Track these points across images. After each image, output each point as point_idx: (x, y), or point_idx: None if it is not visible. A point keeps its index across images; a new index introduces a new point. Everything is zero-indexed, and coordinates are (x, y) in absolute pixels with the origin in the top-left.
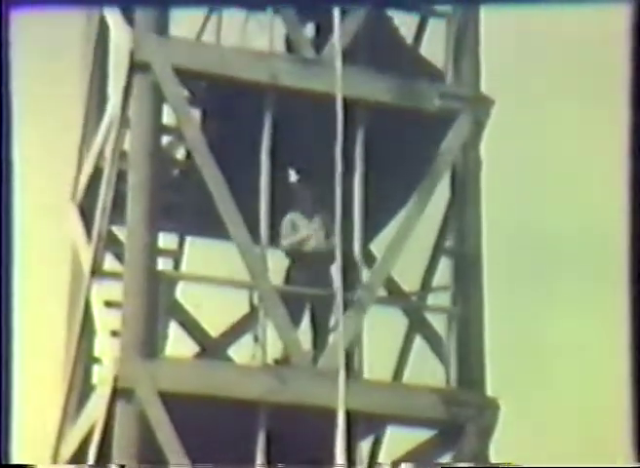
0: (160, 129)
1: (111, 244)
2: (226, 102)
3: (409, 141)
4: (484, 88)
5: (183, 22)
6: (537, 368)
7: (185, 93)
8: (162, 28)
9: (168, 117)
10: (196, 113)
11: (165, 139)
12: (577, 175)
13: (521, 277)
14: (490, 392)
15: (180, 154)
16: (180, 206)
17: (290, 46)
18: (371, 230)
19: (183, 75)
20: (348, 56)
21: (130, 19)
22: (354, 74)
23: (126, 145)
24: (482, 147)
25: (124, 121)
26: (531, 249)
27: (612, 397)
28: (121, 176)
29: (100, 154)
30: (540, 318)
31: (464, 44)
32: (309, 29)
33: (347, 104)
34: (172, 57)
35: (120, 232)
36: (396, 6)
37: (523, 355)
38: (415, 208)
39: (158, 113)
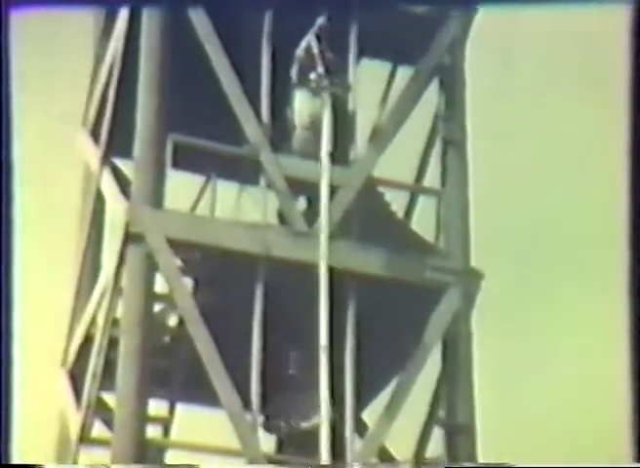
0: (152, 297)
1: (101, 410)
2: (219, 272)
3: (400, 312)
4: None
5: (179, 195)
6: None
7: (178, 262)
8: (157, 201)
9: (160, 285)
10: (189, 282)
11: (157, 306)
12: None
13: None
14: None
15: (171, 321)
16: (171, 373)
17: (282, 219)
18: (363, 399)
19: (177, 246)
20: (340, 229)
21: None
22: (345, 247)
23: (118, 313)
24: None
25: (117, 289)
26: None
27: (612, 398)
28: (112, 343)
29: (92, 321)
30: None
31: (454, 219)
32: (301, 203)
33: (339, 276)
34: (166, 228)
35: (110, 399)
36: None
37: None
38: (407, 377)
39: (151, 282)
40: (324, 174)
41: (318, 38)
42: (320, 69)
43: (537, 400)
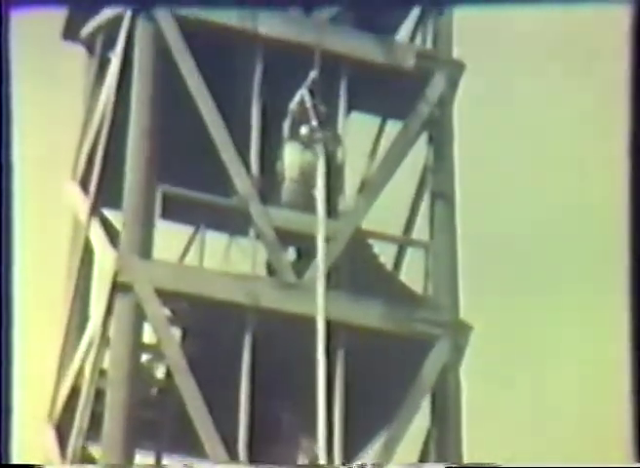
0: (140, 347)
1: (86, 462)
2: (207, 322)
3: (389, 364)
4: None
5: (168, 245)
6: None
7: (167, 312)
8: (146, 251)
9: (148, 335)
10: (177, 332)
11: (144, 357)
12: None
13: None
14: None
15: (159, 372)
16: (158, 424)
17: (271, 270)
18: (351, 451)
19: (165, 296)
20: (329, 281)
21: None
22: (335, 298)
23: (105, 364)
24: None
25: (104, 340)
26: None
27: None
28: (99, 395)
29: (79, 373)
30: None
31: (443, 271)
32: (290, 254)
33: (328, 327)
34: (154, 278)
35: (96, 450)
36: None
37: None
38: (396, 429)
39: (138, 332)
40: (319, 225)
41: (311, 92)
42: (314, 122)
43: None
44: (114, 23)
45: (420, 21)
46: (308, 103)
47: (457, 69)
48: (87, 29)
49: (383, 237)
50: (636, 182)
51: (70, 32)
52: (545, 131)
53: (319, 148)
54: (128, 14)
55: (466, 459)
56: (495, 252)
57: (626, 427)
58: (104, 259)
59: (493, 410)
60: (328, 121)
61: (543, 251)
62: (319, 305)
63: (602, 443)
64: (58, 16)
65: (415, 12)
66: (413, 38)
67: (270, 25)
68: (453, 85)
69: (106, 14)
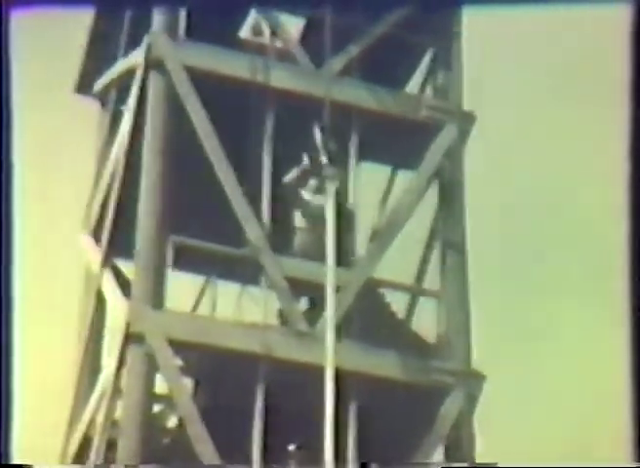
0: (152, 397)
1: None
2: (220, 372)
3: (402, 413)
4: None
5: (180, 295)
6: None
7: (179, 362)
8: (158, 301)
9: (160, 385)
10: (189, 382)
11: (156, 407)
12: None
13: None
14: None
15: (171, 422)
16: None
17: (283, 319)
18: None
19: (177, 346)
20: (341, 330)
21: None
22: (347, 348)
23: (117, 414)
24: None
25: (116, 390)
26: None
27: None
28: (111, 445)
29: (91, 423)
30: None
31: (454, 320)
32: (302, 303)
33: (340, 376)
34: (166, 329)
35: None
36: None
37: None
38: None
39: (150, 382)
40: (329, 272)
41: (322, 129)
42: (324, 159)
43: None
44: (127, 77)
45: (431, 73)
46: (319, 140)
47: (467, 120)
48: (100, 83)
49: (395, 286)
50: (636, 181)
51: (83, 86)
52: (556, 177)
53: (329, 187)
54: (141, 67)
55: None
56: (507, 298)
57: (626, 427)
58: (116, 310)
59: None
60: (338, 159)
61: (554, 297)
62: (328, 356)
63: (602, 443)
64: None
65: (425, 62)
66: (423, 89)
67: (281, 78)
68: (463, 136)
69: (119, 67)
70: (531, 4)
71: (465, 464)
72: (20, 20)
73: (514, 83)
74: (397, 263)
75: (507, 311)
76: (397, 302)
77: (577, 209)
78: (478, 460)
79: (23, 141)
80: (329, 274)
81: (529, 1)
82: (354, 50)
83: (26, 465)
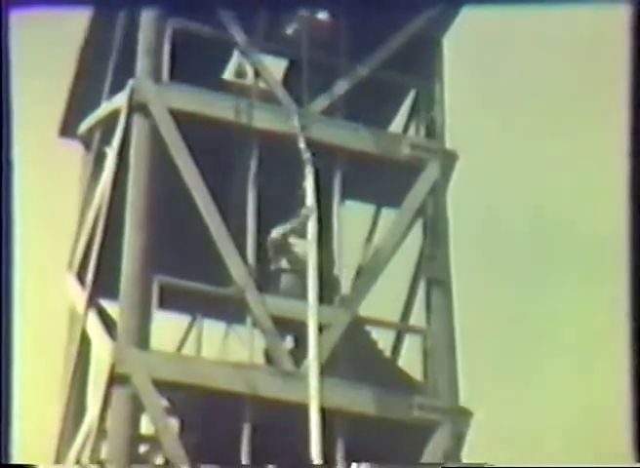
0: (138, 438)
1: None
2: (206, 412)
3: (389, 451)
4: None
5: (165, 335)
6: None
7: (164, 402)
8: (143, 341)
9: (146, 426)
10: (175, 422)
11: (142, 448)
12: None
13: None
14: None
15: (157, 463)
16: None
17: (269, 358)
18: None
19: (163, 386)
20: (328, 368)
21: None
22: (333, 386)
23: (103, 455)
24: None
25: (101, 431)
26: None
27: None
28: None
29: (77, 464)
30: None
31: (441, 357)
32: (288, 342)
33: (327, 415)
34: (151, 369)
35: None
36: None
37: None
38: None
39: (136, 423)
40: (310, 310)
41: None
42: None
43: None
44: (111, 119)
45: (414, 112)
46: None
47: (450, 159)
48: (84, 126)
49: (381, 323)
50: (636, 181)
51: (67, 130)
52: (543, 210)
53: (311, 227)
54: (125, 110)
55: None
56: (493, 336)
57: (626, 427)
58: (101, 351)
59: None
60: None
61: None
62: (312, 395)
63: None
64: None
65: (408, 102)
66: (406, 128)
67: (265, 119)
68: (446, 173)
69: (103, 109)
70: (531, 4)
71: (466, 464)
72: (20, 20)
73: (500, 112)
74: (383, 301)
75: (495, 349)
76: (383, 339)
77: (566, 242)
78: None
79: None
80: (310, 313)
81: (529, 1)
82: (337, 90)
83: (26, 465)
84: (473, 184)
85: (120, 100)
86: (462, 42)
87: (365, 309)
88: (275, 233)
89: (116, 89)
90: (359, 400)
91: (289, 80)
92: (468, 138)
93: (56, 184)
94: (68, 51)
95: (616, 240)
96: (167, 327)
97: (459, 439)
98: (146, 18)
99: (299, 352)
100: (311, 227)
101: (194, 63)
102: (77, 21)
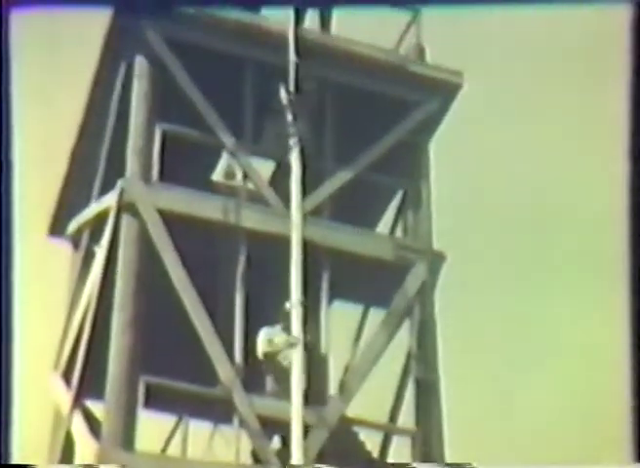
0: None
1: None
2: None
3: None
4: None
5: (150, 435)
6: None
7: None
8: (128, 442)
9: None
10: None
11: None
12: None
13: None
14: None
15: None
16: None
17: (256, 458)
18: None
19: None
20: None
21: None
22: None
23: None
24: None
25: None
26: None
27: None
28: None
29: None
30: None
31: (430, 458)
32: (275, 442)
33: None
34: None
35: None
36: None
37: None
38: None
39: None
40: (294, 413)
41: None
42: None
43: None
44: (100, 219)
45: (401, 213)
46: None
47: (437, 259)
48: (73, 225)
49: (369, 425)
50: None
51: (56, 229)
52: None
53: (298, 335)
54: (114, 210)
55: None
56: (483, 437)
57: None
58: (85, 452)
59: None
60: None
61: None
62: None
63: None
64: None
65: (395, 203)
66: (394, 229)
67: (253, 219)
68: (434, 274)
69: (92, 210)
70: (530, 4)
71: (465, 464)
72: (20, 20)
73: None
74: (370, 402)
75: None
76: (371, 440)
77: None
78: None
79: None
80: (294, 414)
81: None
82: (325, 191)
83: (26, 465)
84: (461, 285)
85: (109, 200)
86: (448, 145)
87: (352, 410)
88: (263, 341)
89: (106, 189)
90: None
91: (276, 181)
92: (455, 239)
93: (43, 283)
94: (68, 51)
95: None
96: (153, 427)
97: None
98: (136, 119)
99: (286, 452)
100: (296, 358)
101: (183, 164)
102: (77, 22)
